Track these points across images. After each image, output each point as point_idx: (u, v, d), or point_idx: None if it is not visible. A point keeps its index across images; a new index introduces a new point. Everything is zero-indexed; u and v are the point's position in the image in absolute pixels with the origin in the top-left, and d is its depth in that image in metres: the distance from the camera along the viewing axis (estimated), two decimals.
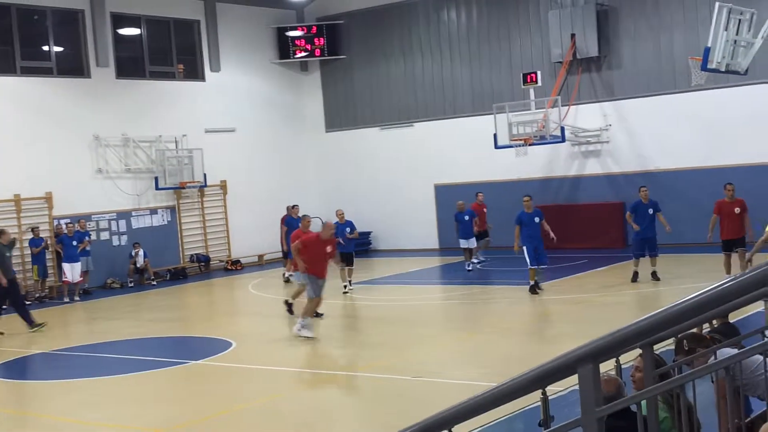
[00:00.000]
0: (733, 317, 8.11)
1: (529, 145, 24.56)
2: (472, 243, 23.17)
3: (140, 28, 27.47)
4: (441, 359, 13.30)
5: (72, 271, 23.00)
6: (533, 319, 16.73)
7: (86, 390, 12.80)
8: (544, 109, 24.48)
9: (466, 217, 23.15)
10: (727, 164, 23.81)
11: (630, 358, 5.27)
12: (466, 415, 4.14)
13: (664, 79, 25.02)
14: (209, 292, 25.11)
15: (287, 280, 22.75)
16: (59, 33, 25.84)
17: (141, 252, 25.58)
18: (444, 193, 28.75)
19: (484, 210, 23.84)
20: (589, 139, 26.27)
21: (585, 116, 26.12)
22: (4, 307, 18.50)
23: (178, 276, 26.67)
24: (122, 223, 26.28)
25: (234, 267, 28.20)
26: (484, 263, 23.89)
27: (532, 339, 14.46)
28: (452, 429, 4.21)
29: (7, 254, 18.05)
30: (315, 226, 17.66)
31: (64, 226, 23.64)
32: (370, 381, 12.29)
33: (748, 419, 5.70)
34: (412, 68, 29.58)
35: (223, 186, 28.86)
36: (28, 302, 22.75)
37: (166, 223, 27.45)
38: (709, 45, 18.77)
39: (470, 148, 27.81)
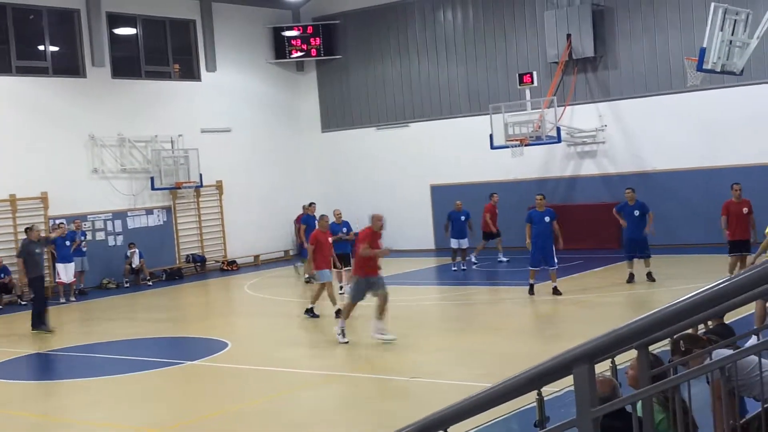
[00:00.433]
0: (729, 318, 8.11)
1: (525, 145, 24.57)
2: (464, 243, 23.24)
3: (136, 27, 27.44)
4: (437, 360, 13.29)
5: (66, 272, 22.96)
6: (529, 319, 16.73)
7: (82, 390, 12.79)
8: (539, 110, 24.48)
9: (462, 218, 23.20)
10: (723, 165, 23.84)
11: (626, 358, 5.27)
12: (462, 416, 4.14)
13: (660, 80, 25.05)
14: (205, 292, 25.09)
15: (308, 281, 22.36)
16: (55, 33, 25.81)
17: (137, 252, 25.55)
18: (440, 194, 28.76)
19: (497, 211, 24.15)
20: (584, 139, 26.30)
21: (581, 117, 26.15)
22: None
23: (174, 276, 26.65)
24: (118, 223, 26.25)
25: (230, 267, 28.18)
26: (504, 263, 24.01)
27: (529, 339, 14.46)
28: (448, 429, 4.21)
29: (37, 251, 17.67)
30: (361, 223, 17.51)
31: (48, 228, 23.54)
32: (367, 381, 12.29)
33: (743, 420, 5.70)
34: (408, 68, 29.58)
35: (219, 186, 28.84)
36: (23, 303, 22.79)
37: (161, 223, 27.43)
38: (704, 45, 18.78)
39: (466, 149, 27.82)
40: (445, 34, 28.86)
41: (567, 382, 3.79)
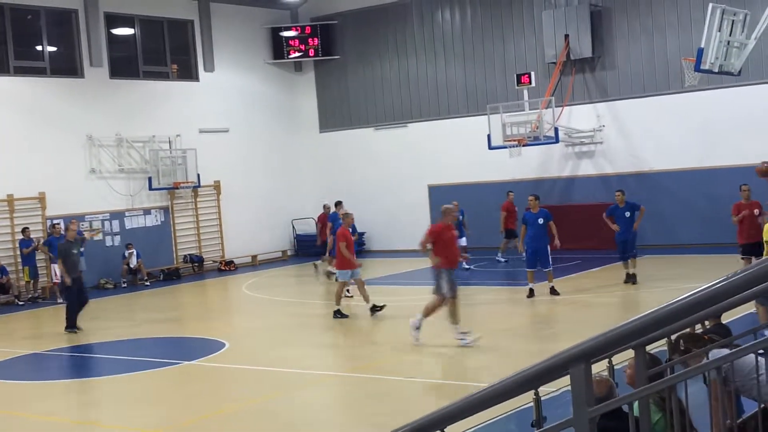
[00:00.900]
0: (726, 318, 8.11)
1: (523, 145, 24.57)
2: (462, 242, 23.27)
3: (134, 27, 27.42)
4: (434, 360, 13.29)
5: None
6: (526, 319, 16.72)
7: (79, 390, 12.77)
8: (537, 110, 24.49)
9: (460, 217, 23.25)
10: (720, 165, 23.86)
11: (623, 358, 5.27)
12: (459, 416, 4.14)
13: (658, 80, 25.05)
14: (202, 292, 25.07)
15: (329, 275, 22.28)
16: (53, 33, 25.79)
17: (134, 252, 25.53)
18: (438, 194, 28.73)
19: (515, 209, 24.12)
20: (582, 139, 26.30)
21: (578, 117, 26.15)
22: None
23: (172, 276, 26.63)
24: (115, 223, 26.23)
25: (227, 267, 28.16)
26: (502, 263, 24.05)
27: (526, 339, 14.46)
28: (445, 429, 4.21)
29: (74, 251, 17.38)
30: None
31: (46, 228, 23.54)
32: (364, 381, 12.28)
33: (740, 420, 5.70)
34: (406, 69, 29.58)
35: (216, 186, 28.82)
36: (20, 303, 22.78)
37: (159, 223, 27.41)
38: (702, 46, 18.78)
39: (464, 149, 27.82)
40: (443, 35, 28.86)
41: (564, 382, 3.79)
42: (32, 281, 23.47)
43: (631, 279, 18.61)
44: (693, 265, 20.73)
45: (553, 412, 4.55)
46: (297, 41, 30.88)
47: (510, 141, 24.56)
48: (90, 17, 25.72)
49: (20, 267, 23.49)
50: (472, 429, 8.07)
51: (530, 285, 17.93)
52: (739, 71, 19.47)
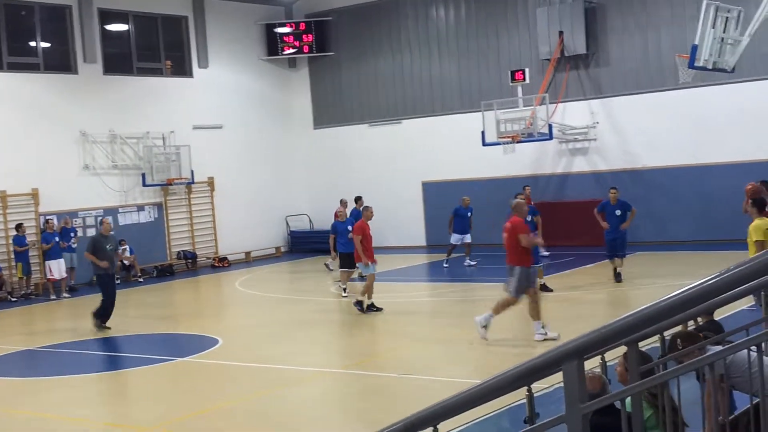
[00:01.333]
0: (718, 315, 8.13)
1: (517, 142, 24.59)
2: (467, 238, 23.32)
3: (128, 24, 27.37)
4: (428, 357, 13.29)
5: (58, 268, 22.91)
6: (520, 316, 16.71)
7: (72, 387, 12.75)
8: (531, 107, 24.50)
9: (469, 214, 23.29)
10: (714, 162, 23.92)
11: (616, 354, 5.28)
12: (452, 412, 4.13)
13: (652, 77, 25.08)
14: (196, 289, 25.05)
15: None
16: (46, 29, 25.72)
17: (128, 248, 25.48)
18: (431, 190, 28.79)
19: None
20: (576, 136, 26.33)
21: (572, 114, 26.18)
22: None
23: (165, 273, 26.61)
24: (109, 219, 26.08)
25: (221, 264, 28.15)
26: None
27: (519, 336, 14.46)
28: (438, 426, 4.20)
29: (108, 247, 17.12)
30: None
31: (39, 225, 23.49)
32: (358, 378, 12.28)
33: (732, 416, 5.71)
34: (401, 65, 29.57)
35: (210, 183, 28.79)
36: (13, 299, 22.74)
37: (153, 219, 27.38)
38: (696, 43, 18.82)
39: (458, 146, 27.83)
40: (437, 31, 28.86)
41: (557, 379, 3.79)
42: (25, 278, 23.41)
43: (616, 277, 18.61)
44: (686, 262, 20.77)
45: (546, 408, 4.55)
46: (291, 38, 30.85)
47: (504, 138, 24.57)
48: (84, 13, 25.67)
49: (13, 263, 23.44)
50: (465, 425, 8.07)
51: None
52: (733, 68, 19.52)
